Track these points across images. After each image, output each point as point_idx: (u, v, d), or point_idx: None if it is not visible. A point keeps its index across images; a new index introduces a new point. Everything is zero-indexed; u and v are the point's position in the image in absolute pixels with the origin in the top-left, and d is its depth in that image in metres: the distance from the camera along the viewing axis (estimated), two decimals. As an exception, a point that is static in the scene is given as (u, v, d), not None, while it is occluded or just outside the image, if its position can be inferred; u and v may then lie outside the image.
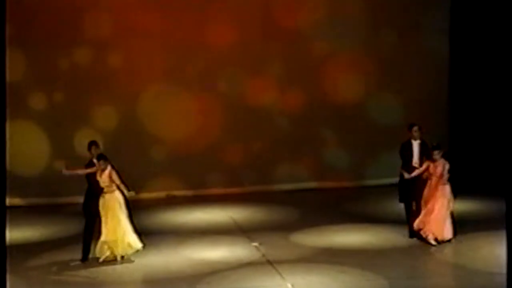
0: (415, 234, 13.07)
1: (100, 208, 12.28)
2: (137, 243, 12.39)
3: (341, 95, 17.57)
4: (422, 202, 12.84)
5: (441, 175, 12.70)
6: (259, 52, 17.24)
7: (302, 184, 17.55)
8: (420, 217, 12.81)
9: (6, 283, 6.69)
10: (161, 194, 16.95)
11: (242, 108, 17.31)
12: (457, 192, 15.25)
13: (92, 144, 12.72)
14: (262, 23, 17.26)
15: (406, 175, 12.80)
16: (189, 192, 17.15)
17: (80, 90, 16.72)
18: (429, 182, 12.77)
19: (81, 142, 16.03)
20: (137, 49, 16.79)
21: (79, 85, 16.70)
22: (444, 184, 12.76)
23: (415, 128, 13.21)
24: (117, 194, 12.31)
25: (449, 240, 12.77)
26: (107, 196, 12.27)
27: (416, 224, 12.85)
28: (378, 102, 17.63)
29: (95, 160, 12.49)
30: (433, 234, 12.72)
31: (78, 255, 12.58)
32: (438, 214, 12.69)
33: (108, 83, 16.85)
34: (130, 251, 12.38)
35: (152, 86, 17.02)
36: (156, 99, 17.01)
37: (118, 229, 12.25)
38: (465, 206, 15.30)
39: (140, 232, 12.67)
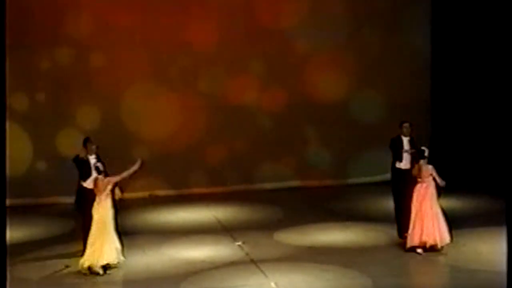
0: (402, 234, 13.13)
1: (94, 212, 12.06)
2: (113, 258, 12.06)
3: (324, 94, 17.63)
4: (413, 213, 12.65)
5: (428, 177, 12.70)
6: (241, 52, 17.30)
7: (285, 183, 17.59)
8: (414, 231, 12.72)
9: (6, 283, 6.69)
10: (144, 194, 16.91)
11: (224, 108, 17.33)
12: (438, 190, 15.38)
13: (87, 140, 12.76)
14: (244, 22, 17.32)
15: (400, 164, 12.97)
16: (172, 192, 17.15)
17: (62, 90, 16.72)
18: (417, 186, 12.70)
19: (63, 142, 16.13)
20: (119, 49, 16.80)
21: (61, 85, 16.70)
22: (430, 187, 12.73)
23: (406, 124, 13.41)
24: (110, 204, 12.16)
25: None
26: (103, 202, 12.07)
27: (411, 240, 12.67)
28: (361, 100, 17.72)
29: (92, 160, 12.45)
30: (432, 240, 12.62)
31: (61, 255, 12.68)
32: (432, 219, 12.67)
33: (90, 83, 16.85)
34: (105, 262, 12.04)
35: (134, 86, 17.04)
36: (138, 99, 17.02)
37: (104, 238, 12.02)
38: (446, 204, 15.30)
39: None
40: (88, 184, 12.47)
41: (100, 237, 11.93)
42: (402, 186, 13.04)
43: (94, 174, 12.35)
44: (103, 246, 11.89)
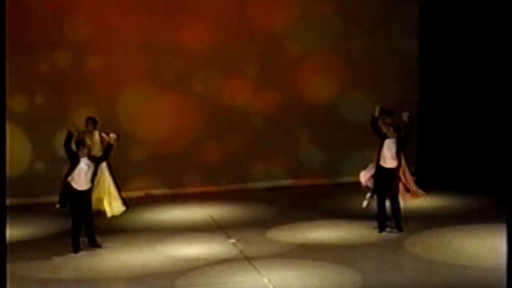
0: (385, 227, 13.61)
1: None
2: (119, 208, 13.44)
3: (315, 95, 17.75)
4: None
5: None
6: (234, 54, 17.41)
7: (278, 182, 17.71)
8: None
9: (6, 283, 6.83)
10: (141, 193, 16.99)
11: (218, 109, 17.43)
12: (426, 188, 15.68)
13: (80, 144, 13.38)
14: (237, 25, 17.43)
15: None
16: (167, 191, 17.23)
17: (60, 92, 16.84)
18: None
19: (61, 143, 16.24)
20: (116, 51, 16.92)
21: (59, 87, 16.83)
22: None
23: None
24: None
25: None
26: None
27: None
28: (351, 101, 17.81)
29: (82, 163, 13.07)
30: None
31: (59, 253, 12.90)
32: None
33: (88, 85, 16.95)
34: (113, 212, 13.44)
35: (131, 88, 17.16)
36: (135, 100, 17.12)
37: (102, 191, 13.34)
38: (434, 201, 15.59)
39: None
40: (77, 184, 12.95)
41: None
42: (387, 181, 13.56)
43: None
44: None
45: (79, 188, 12.93)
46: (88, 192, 13.05)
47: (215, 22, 17.32)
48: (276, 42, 17.57)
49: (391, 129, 13.57)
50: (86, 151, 13.04)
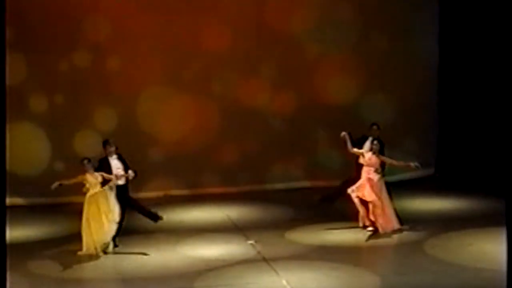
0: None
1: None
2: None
3: (333, 97, 17.80)
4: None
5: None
6: (253, 55, 17.49)
7: (296, 183, 17.77)
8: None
9: (6, 283, 6.83)
10: (159, 193, 17.15)
11: (237, 110, 17.50)
12: (445, 190, 15.59)
13: (106, 143, 13.42)
14: (256, 27, 17.51)
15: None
16: (186, 192, 17.35)
17: (80, 92, 16.95)
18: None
19: (80, 143, 16.39)
20: (135, 52, 17.02)
21: (79, 87, 16.94)
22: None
23: (375, 127, 14.21)
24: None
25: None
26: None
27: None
28: (369, 103, 17.83)
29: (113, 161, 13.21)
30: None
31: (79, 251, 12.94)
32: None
33: (107, 85, 17.06)
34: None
35: (150, 89, 17.25)
36: (154, 101, 17.22)
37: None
38: (453, 203, 15.58)
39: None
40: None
41: None
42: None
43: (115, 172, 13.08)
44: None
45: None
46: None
47: (234, 23, 17.39)
48: (294, 43, 17.62)
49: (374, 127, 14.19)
50: (113, 149, 13.31)
